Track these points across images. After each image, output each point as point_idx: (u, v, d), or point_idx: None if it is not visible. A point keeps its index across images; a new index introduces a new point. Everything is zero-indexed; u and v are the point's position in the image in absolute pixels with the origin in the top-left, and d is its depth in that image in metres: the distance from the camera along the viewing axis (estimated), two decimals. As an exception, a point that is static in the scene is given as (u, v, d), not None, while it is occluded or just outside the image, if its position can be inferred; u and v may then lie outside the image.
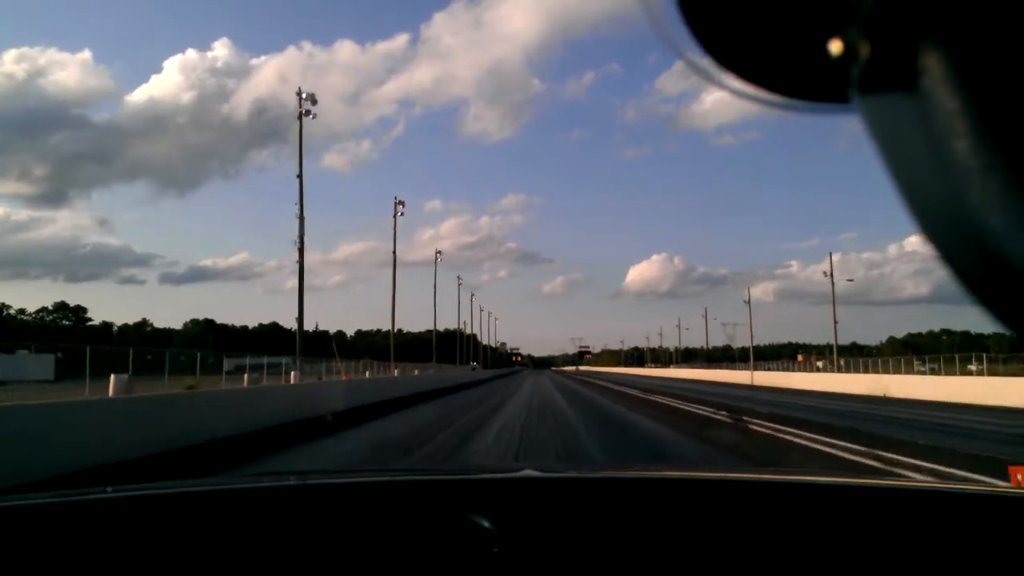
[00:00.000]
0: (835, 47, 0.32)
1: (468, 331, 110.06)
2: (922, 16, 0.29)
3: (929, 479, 8.05)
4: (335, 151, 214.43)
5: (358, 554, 1.26)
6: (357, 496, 1.50)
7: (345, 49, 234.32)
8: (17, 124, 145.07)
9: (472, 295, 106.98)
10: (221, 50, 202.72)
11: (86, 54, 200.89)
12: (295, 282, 29.11)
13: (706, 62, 0.35)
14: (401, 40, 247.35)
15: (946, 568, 1.17)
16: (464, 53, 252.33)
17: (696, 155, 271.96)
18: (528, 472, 1.59)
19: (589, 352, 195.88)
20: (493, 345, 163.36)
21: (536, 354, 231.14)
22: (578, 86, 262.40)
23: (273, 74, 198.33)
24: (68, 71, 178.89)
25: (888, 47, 0.30)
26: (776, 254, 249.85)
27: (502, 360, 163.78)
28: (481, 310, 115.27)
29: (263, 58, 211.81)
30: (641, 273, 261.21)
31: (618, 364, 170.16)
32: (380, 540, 1.28)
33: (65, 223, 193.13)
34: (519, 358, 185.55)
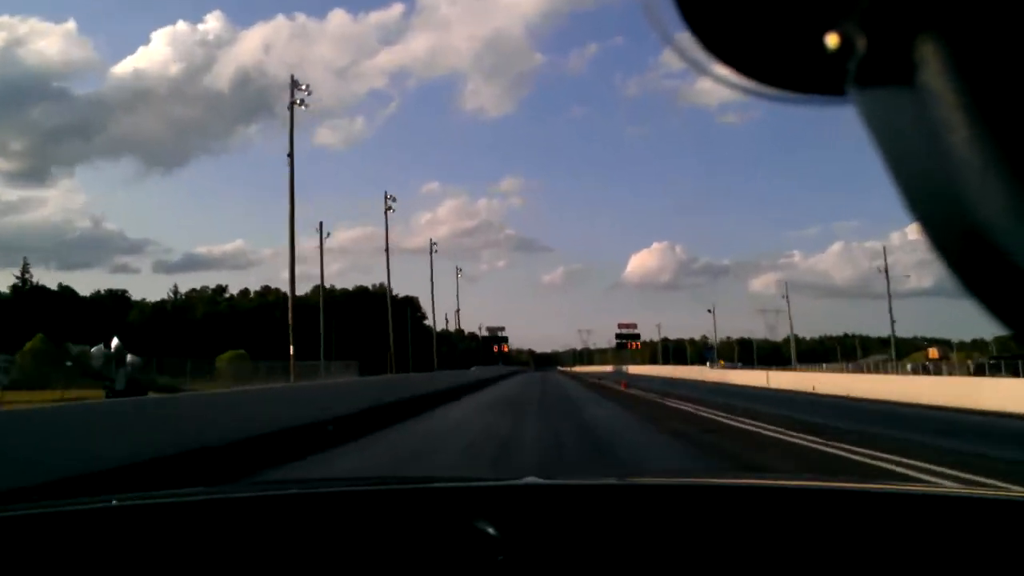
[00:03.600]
0: (832, 41, 0.32)
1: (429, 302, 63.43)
2: (919, 9, 0.29)
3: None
4: (327, 127, 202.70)
5: (362, 563, 1.26)
6: (361, 504, 1.50)
7: (337, 19, 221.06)
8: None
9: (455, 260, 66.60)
10: (213, 23, 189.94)
11: (70, 24, 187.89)
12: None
13: (700, 52, 0.35)
14: (396, 10, 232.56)
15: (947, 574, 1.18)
16: (461, 24, 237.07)
17: (699, 134, 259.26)
18: (532, 479, 1.59)
19: (636, 339, 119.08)
20: (468, 329, 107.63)
21: (538, 350, 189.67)
22: (580, 60, 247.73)
23: (261, 47, 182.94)
24: (49, 40, 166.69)
25: (885, 40, 0.30)
26: (778, 243, 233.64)
27: (475, 355, 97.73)
28: (429, 239, 63.67)
29: (254, 29, 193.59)
30: (642, 262, 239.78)
31: (648, 361, 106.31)
32: (384, 549, 1.28)
33: (53, 205, 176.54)
34: (503, 348, 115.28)
